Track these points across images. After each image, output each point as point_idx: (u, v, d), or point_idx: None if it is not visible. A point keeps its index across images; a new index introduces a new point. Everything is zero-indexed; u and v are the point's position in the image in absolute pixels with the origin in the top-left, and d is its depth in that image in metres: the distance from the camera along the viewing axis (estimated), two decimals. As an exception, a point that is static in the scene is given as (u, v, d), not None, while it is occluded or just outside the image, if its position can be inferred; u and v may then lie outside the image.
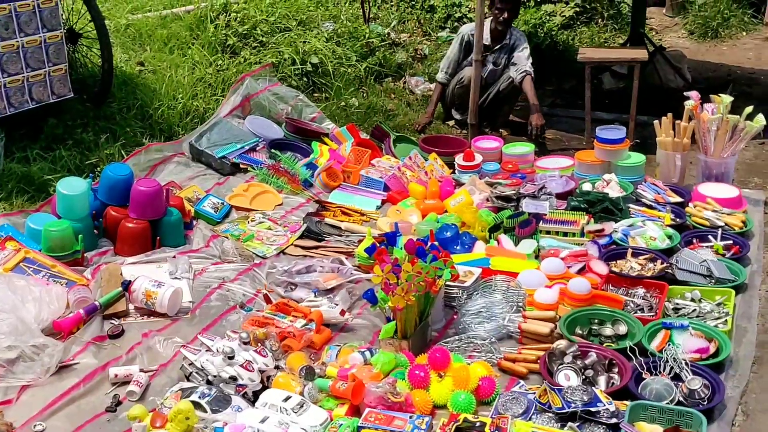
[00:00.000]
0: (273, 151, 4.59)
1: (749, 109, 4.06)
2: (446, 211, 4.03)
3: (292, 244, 3.75)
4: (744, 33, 8.42)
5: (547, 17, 7.83)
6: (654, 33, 8.49)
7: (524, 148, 4.77)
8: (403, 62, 6.41)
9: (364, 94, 5.77)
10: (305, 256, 3.65)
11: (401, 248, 3.10)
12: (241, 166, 4.51)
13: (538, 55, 7.08)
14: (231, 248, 3.65)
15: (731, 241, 3.58)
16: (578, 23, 8.12)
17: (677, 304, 3.12)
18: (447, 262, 2.94)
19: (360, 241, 3.69)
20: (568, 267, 3.39)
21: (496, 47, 5.34)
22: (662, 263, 3.39)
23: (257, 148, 4.67)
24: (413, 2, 7.54)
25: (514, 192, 4.06)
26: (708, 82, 6.80)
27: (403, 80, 6.25)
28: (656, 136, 4.28)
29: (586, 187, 4.21)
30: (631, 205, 3.96)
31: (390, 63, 6.31)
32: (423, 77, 6.30)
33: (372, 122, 5.35)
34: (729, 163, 4.20)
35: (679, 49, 7.93)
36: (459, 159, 4.64)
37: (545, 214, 3.84)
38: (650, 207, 3.96)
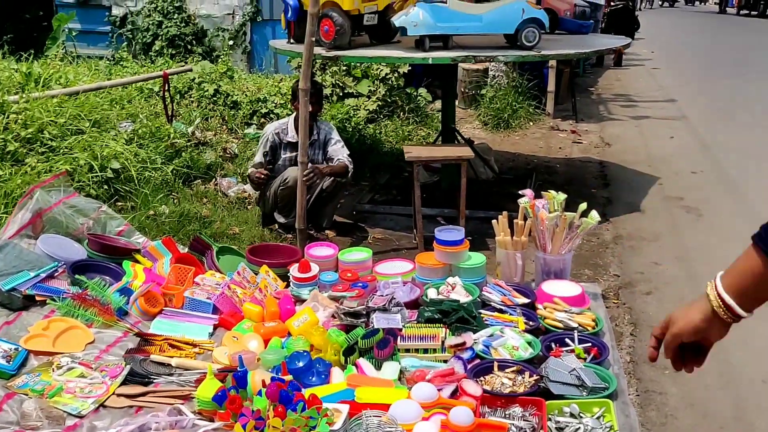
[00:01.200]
0: (76, 276, 3.89)
1: (583, 206, 4.11)
2: (290, 334, 3.58)
3: (113, 394, 3.09)
4: (531, 123, 8.97)
5: (353, 111, 7.79)
6: (452, 124, 8.78)
7: (361, 253, 4.48)
8: (213, 162, 5.96)
9: (175, 200, 5.23)
10: (132, 406, 3.01)
11: (262, 395, 2.62)
12: (37, 298, 3.74)
13: (349, 149, 6.98)
14: (33, 409, 2.92)
15: (589, 343, 3.48)
16: (382, 116, 8.18)
17: (559, 422, 2.90)
18: (320, 410, 2.51)
19: (198, 380, 3.12)
20: (440, 390, 3.09)
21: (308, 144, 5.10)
22: (531, 375, 3.19)
23: (56, 274, 3.92)
24: (215, 98, 7.15)
25: (362, 306, 3.73)
26: (513, 171, 7.06)
27: (215, 182, 5.79)
28: (482, 230, 4.20)
29: (431, 293, 3.97)
30: (482, 311, 3.78)
31: (198, 164, 5.84)
32: (235, 178, 5.89)
33: (187, 232, 4.82)
34: (566, 259, 4.19)
35: (477, 139, 8.26)
36: (294, 270, 4.24)
37: (400, 330, 3.53)
38: (501, 311, 3.80)
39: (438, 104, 9.44)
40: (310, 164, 4.70)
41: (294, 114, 5.07)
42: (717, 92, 11.44)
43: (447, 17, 4.94)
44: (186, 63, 9.51)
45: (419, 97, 8.82)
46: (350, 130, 7.15)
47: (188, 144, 5.91)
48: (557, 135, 8.63)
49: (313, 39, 4.54)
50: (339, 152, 5.12)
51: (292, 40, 5.69)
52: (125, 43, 9.98)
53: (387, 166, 6.82)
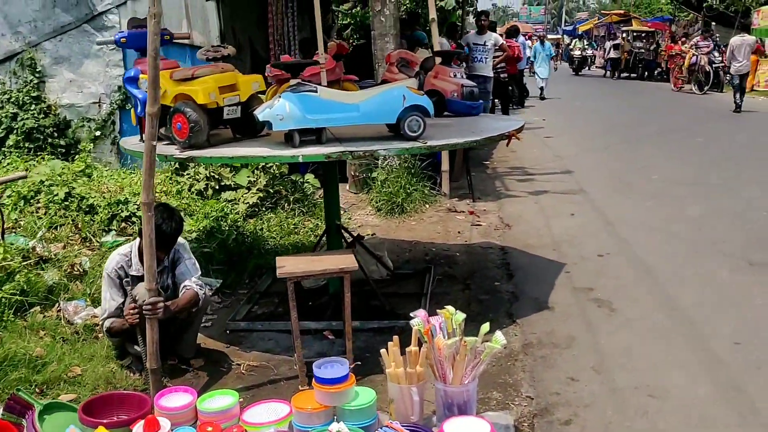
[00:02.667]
0: None
1: (486, 327, 3.47)
2: None
3: None
4: (427, 205, 8.44)
5: (230, 207, 7.02)
6: (342, 212, 8.13)
7: (225, 398, 3.67)
8: (56, 284, 5.03)
9: (-2, 340, 4.27)
10: None
11: None
12: None
13: (225, 251, 6.18)
14: None
15: None
16: (264, 209, 7.44)
17: None
18: None
19: None
20: None
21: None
22: None
23: None
24: (67, 202, 6.24)
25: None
26: (411, 265, 6.43)
27: (57, 308, 4.87)
28: (376, 345, 3.51)
29: (311, 448, 3.21)
30: (375, 471, 3.03)
31: (37, 287, 4.90)
32: (84, 300, 4.98)
33: (10, 383, 3.88)
34: (471, 390, 3.52)
35: (371, 227, 7.61)
36: (138, 430, 3.38)
37: None
38: (397, 469, 3.07)
39: (328, 190, 8.78)
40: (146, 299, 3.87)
41: (138, 240, 4.27)
42: (612, 160, 11.33)
43: (318, 108, 4.30)
44: (43, 159, 8.53)
45: (306, 184, 8.15)
46: (226, 229, 6.36)
47: (25, 263, 4.96)
48: (455, 217, 8.10)
49: (154, 143, 3.81)
50: (187, 276, 4.33)
51: (144, 138, 4.93)
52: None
53: (269, 268, 6.05)
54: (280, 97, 4.31)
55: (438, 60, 5.93)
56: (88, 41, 9.22)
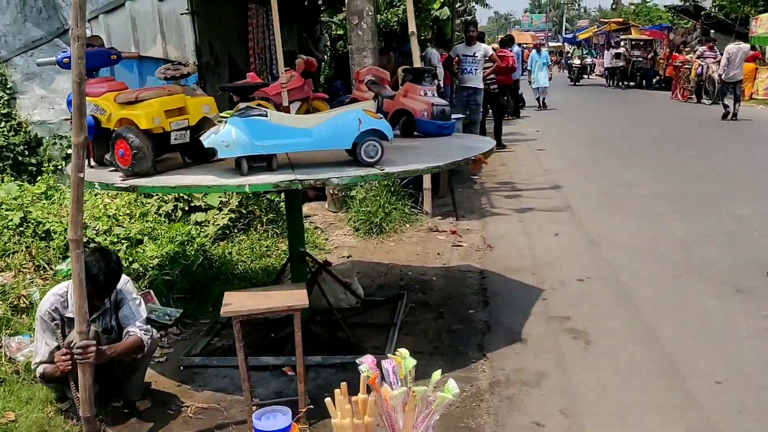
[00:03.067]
0: None
1: (437, 374, 3.19)
2: None
3: None
4: (408, 225, 8.17)
5: (198, 229, 6.76)
6: (319, 232, 7.87)
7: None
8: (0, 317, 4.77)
9: (-74, 384, 4.01)
10: None
11: None
12: None
13: (189, 278, 5.91)
14: None
15: None
16: (236, 231, 7.18)
17: None
18: None
19: None
20: None
21: (95, 315, 4.04)
22: None
23: None
24: (22, 228, 5.97)
25: None
26: (384, 290, 6.16)
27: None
28: (337, 382, 3.25)
29: None
30: None
31: (-22, 322, 4.64)
32: (29, 335, 4.71)
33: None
34: (422, 442, 3.24)
35: (348, 248, 7.35)
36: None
37: None
38: None
39: (306, 208, 8.53)
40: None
41: (68, 282, 4.00)
42: (602, 174, 11.05)
43: (268, 134, 4.04)
44: (16, 177, 8.29)
45: (282, 203, 7.88)
46: (192, 254, 6.10)
47: (-33, 297, 4.71)
48: (436, 237, 7.83)
49: (81, 175, 3.55)
50: (130, 319, 4.06)
51: (93, 163, 4.68)
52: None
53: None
54: (226, 121, 4.05)
55: (408, 77, 5.68)
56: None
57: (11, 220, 5.84)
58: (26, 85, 9.04)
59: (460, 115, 9.98)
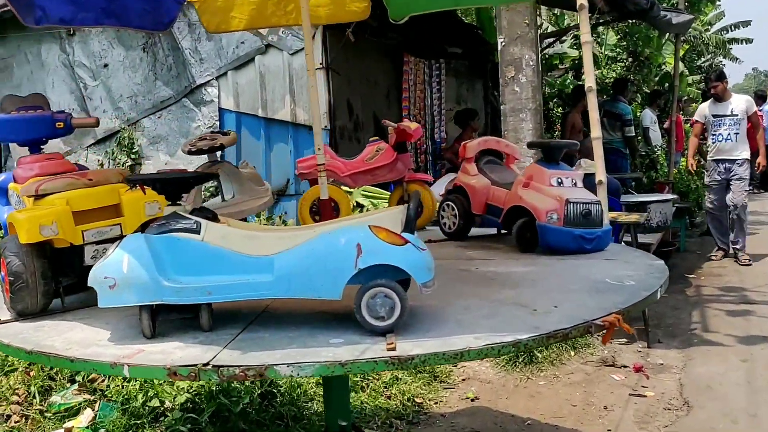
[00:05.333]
0: None
1: None
2: None
3: None
4: (572, 352, 5.89)
5: None
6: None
7: None
8: None
9: None
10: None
11: None
12: None
13: None
14: None
15: None
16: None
17: None
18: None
19: None
20: None
21: None
22: None
23: None
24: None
25: None
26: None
27: None
28: None
29: None
30: None
31: None
32: None
33: None
34: None
35: (478, 384, 5.27)
36: None
37: None
38: None
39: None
40: None
41: None
42: None
43: (194, 265, 2.25)
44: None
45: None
46: None
47: None
48: (609, 377, 5.45)
49: None
50: None
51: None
52: None
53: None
54: (118, 245, 2.29)
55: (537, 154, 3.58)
56: (187, 118, 7.97)
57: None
58: (151, 150, 8.14)
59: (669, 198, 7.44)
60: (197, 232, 2.27)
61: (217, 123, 7.84)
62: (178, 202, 2.39)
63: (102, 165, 8.24)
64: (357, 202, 6.01)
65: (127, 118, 8.17)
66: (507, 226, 3.61)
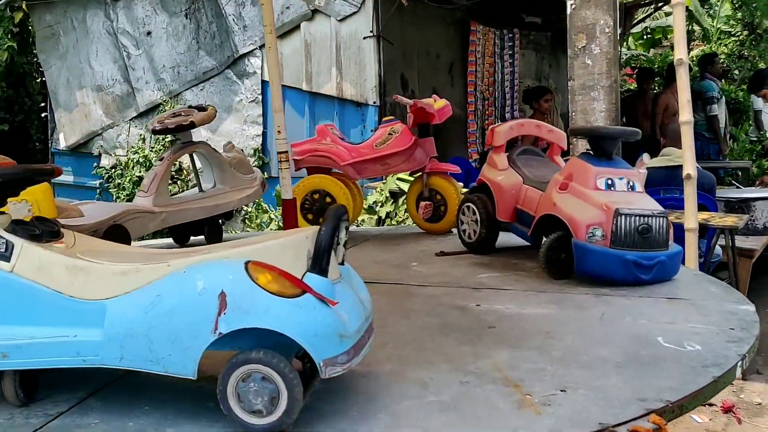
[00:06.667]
0: None
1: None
2: None
3: None
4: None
5: None
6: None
7: None
8: None
9: None
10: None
11: None
12: None
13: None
14: None
15: None
16: None
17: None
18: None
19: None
20: None
21: None
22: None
23: None
24: None
25: None
26: None
27: None
28: None
29: None
30: None
31: None
32: None
33: None
34: None
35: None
36: None
37: None
38: None
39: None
40: None
41: None
42: None
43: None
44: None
45: None
46: None
47: None
48: (688, 417, 4.42)
49: None
50: None
51: None
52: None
53: None
54: None
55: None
56: (230, 91, 7.32)
57: None
58: (192, 125, 7.51)
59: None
60: (6, 257, 1.50)
61: (260, 97, 7.13)
62: (1, 210, 1.62)
63: (144, 139, 7.72)
64: (391, 193, 5.07)
65: (169, 90, 7.59)
66: (538, 240, 2.69)
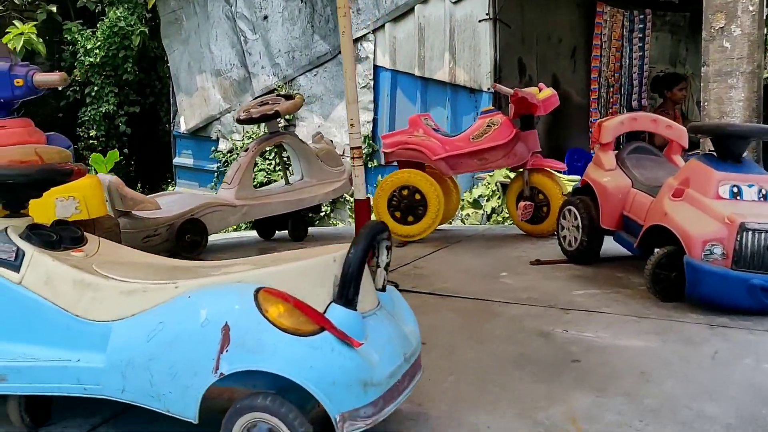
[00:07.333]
0: None
1: None
2: None
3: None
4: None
5: None
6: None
7: None
8: None
9: None
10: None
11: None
12: None
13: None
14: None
15: None
16: None
17: None
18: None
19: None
20: None
21: None
22: None
23: None
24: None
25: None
26: None
27: None
28: None
29: None
30: None
31: None
32: None
33: None
34: None
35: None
36: None
37: None
38: None
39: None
40: None
41: None
42: None
43: None
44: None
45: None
46: None
47: None
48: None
49: None
50: None
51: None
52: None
53: None
54: None
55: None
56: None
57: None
58: (306, 113, 7.46)
59: None
60: (15, 267, 1.37)
61: (371, 82, 6.96)
62: (21, 212, 1.49)
63: (259, 125, 7.77)
64: (501, 185, 4.71)
65: (283, 75, 7.57)
66: (646, 254, 2.33)
